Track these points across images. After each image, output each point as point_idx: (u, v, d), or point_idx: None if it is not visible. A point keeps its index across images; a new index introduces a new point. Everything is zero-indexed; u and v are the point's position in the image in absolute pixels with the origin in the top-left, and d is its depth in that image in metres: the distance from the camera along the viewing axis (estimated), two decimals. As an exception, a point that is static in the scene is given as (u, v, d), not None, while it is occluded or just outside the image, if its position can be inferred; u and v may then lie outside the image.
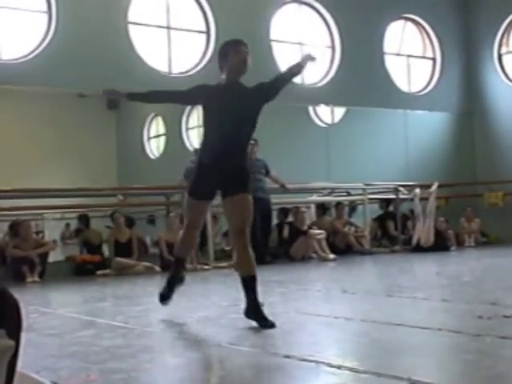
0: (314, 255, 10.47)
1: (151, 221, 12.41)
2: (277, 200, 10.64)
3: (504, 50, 14.06)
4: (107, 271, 9.42)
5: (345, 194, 12.74)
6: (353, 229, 11.61)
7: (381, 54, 13.46)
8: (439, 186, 11.78)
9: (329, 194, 12.45)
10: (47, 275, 9.03)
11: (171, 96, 4.78)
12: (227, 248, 10.91)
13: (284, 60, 11.80)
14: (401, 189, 11.98)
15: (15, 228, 9.35)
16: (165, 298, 4.74)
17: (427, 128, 14.03)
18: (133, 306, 5.62)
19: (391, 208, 12.18)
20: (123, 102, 11.18)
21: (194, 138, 13.04)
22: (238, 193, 4.29)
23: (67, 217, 12.19)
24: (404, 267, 9.10)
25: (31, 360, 3.27)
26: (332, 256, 10.27)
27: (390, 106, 13.48)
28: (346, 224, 11.64)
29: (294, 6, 12.72)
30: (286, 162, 11.21)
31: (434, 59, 14.33)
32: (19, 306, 1.90)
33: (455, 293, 5.78)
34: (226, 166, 4.32)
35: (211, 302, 5.98)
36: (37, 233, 11.08)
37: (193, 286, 7.76)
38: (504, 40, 14.01)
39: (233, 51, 4.35)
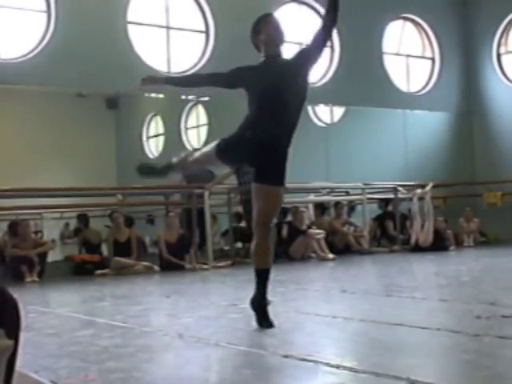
0: (313, 255, 10.47)
1: (150, 220, 12.39)
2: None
3: (503, 49, 14.07)
4: (106, 271, 9.41)
5: (344, 193, 12.74)
6: (352, 228, 11.62)
7: (380, 54, 13.46)
8: (438, 186, 11.77)
9: (328, 194, 12.44)
10: (46, 275, 9.03)
11: (210, 79, 4.51)
12: (226, 248, 10.92)
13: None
14: (400, 189, 11.97)
15: (14, 227, 9.35)
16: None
17: (426, 128, 14.03)
18: (132, 306, 5.61)
19: (390, 208, 12.18)
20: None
21: (192, 137, 13.04)
22: (276, 185, 4.25)
23: (66, 216, 12.16)
24: (403, 267, 9.09)
25: (30, 359, 3.27)
26: (331, 256, 10.27)
27: (389, 106, 13.48)
28: (345, 224, 11.65)
29: (294, 5, 12.71)
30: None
31: (433, 59, 14.33)
32: (18, 305, 1.91)
33: (454, 293, 5.78)
34: (276, 146, 4.13)
35: (210, 301, 5.98)
36: (36, 232, 11.06)
37: (192, 285, 7.78)
38: (503, 40, 14.02)
39: (263, 24, 4.31)
